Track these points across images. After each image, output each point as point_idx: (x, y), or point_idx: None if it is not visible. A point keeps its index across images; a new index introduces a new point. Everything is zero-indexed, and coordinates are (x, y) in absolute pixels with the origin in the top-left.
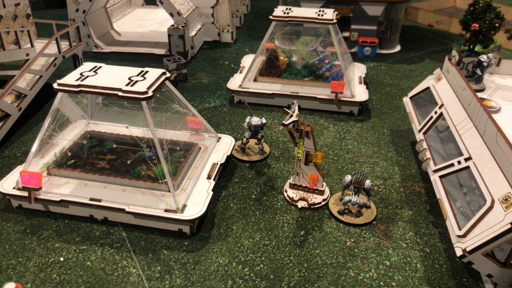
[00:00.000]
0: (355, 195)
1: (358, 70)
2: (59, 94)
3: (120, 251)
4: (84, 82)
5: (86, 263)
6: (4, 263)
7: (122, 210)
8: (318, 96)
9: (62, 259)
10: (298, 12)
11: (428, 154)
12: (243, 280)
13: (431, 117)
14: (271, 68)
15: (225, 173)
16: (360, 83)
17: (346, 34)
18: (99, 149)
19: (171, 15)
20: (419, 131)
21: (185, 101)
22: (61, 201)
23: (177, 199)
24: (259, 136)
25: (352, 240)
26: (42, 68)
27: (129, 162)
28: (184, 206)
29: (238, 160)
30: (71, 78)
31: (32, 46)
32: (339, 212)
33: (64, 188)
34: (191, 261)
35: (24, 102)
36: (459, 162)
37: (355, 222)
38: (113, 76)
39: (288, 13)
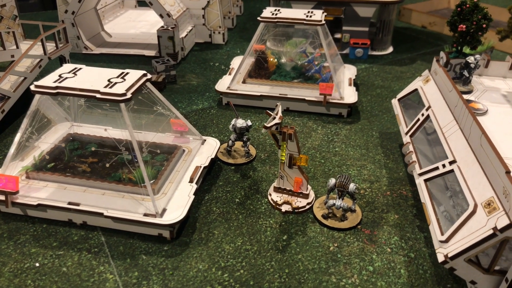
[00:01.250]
0: (339, 198)
1: (349, 71)
2: (37, 96)
3: (97, 256)
4: (62, 84)
5: (62, 268)
6: None
7: (101, 214)
8: (306, 98)
9: (37, 264)
10: (286, 13)
11: (413, 157)
12: (222, 286)
13: (418, 119)
14: (260, 69)
15: (210, 176)
16: (350, 85)
17: (338, 35)
18: (80, 152)
19: (161, 16)
20: (406, 133)
21: (167, 103)
22: (39, 205)
23: (156, 203)
24: (244, 139)
25: (336, 245)
26: (26, 70)
27: (107, 165)
28: (164, 210)
29: (223, 163)
30: (49, 80)
31: (17, 47)
32: (323, 216)
33: (42, 192)
34: (170, 266)
35: (7, 104)
36: (443, 166)
37: (339, 227)
38: (93, 78)
39: (276, 14)
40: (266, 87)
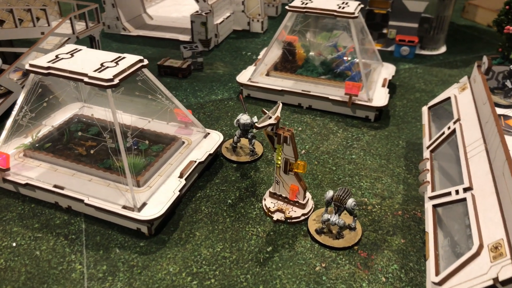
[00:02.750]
0: (335, 214)
1: (386, 71)
2: (31, 75)
3: (73, 244)
4: (55, 65)
5: (35, 252)
6: None
7: (82, 201)
8: (330, 97)
9: (14, 244)
10: (317, 3)
11: (428, 177)
12: None
13: (443, 133)
14: (287, 62)
15: (208, 172)
16: (384, 86)
17: (384, 30)
18: (81, 134)
19: (196, 1)
20: (428, 147)
21: (167, 92)
22: (27, 184)
23: (136, 196)
24: (249, 136)
25: (323, 265)
26: (53, 47)
27: (92, 152)
28: (144, 204)
29: (226, 159)
30: (43, 60)
31: (48, 25)
32: (316, 230)
33: (33, 171)
34: (140, 264)
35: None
36: (456, 192)
37: (332, 245)
38: (87, 61)
39: (306, 4)
40: (290, 82)
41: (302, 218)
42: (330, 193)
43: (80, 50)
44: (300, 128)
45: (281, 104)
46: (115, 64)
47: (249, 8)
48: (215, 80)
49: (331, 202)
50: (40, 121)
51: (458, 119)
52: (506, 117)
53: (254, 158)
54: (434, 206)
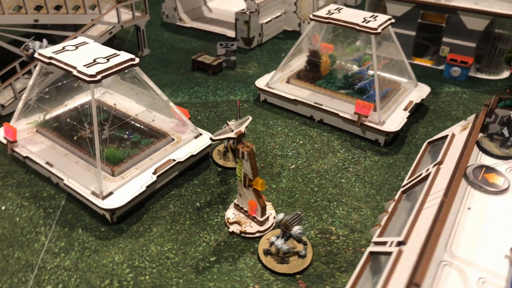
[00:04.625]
0: (281, 238)
1: (417, 92)
2: (39, 64)
3: (47, 217)
4: (57, 56)
5: (15, 218)
6: None
7: (62, 180)
8: (340, 114)
9: (3, 208)
10: (343, 14)
11: (384, 220)
12: (120, 285)
13: (420, 174)
14: (310, 72)
15: (192, 171)
16: (406, 109)
17: (437, 46)
18: (89, 118)
19: None
20: (402, 186)
21: (158, 90)
22: (26, 157)
23: (106, 185)
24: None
25: (257, 287)
26: (99, 34)
27: (75, 138)
28: (110, 193)
29: (213, 162)
30: (49, 50)
31: (100, 13)
32: (264, 250)
33: (36, 147)
34: (92, 248)
35: None
36: (391, 244)
37: (273, 268)
38: (84, 55)
39: (331, 14)
40: (307, 92)
41: (257, 234)
42: (280, 216)
43: (87, 44)
44: (301, 142)
45: (250, 119)
46: (106, 61)
47: (301, 9)
48: (241, 80)
49: (279, 225)
50: (59, 101)
51: (440, 163)
52: (489, 169)
53: None
54: (371, 252)
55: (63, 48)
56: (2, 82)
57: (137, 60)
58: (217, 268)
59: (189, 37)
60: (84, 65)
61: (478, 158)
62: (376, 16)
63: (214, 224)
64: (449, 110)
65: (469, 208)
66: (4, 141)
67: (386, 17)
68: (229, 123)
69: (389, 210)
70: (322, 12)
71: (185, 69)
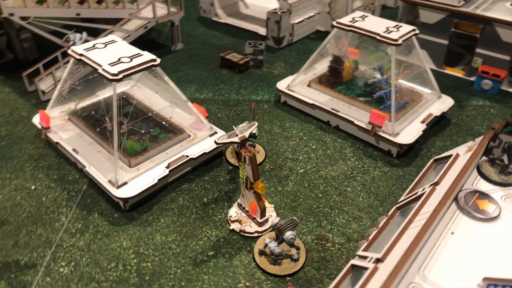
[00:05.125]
0: (275, 241)
1: (438, 105)
2: (71, 60)
3: (70, 199)
4: (87, 53)
5: (42, 198)
6: (1, 173)
7: (84, 167)
8: (355, 122)
9: (33, 187)
10: (366, 23)
11: (372, 235)
12: (124, 268)
13: (417, 192)
14: (332, 77)
15: (204, 167)
16: (423, 122)
17: (470, 57)
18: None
19: None
20: (398, 203)
21: (177, 89)
22: (57, 143)
23: (122, 175)
24: (246, 144)
25: (247, 284)
26: (135, 29)
27: (97, 130)
28: (124, 183)
29: (226, 161)
30: (81, 47)
31: (137, 7)
32: (259, 251)
33: (66, 133)
34: (105, 232)
35: None
36: (370, 259)
37: (265, 268)
38: (111, 53)
39: (355, 22)
40: (326, 97)
41: (256, 235)
42: (275, 220)
43: (116, 42)
44: (314, 146)
45: (256, 125)
46: (129, 60)
47: (335, 11)
48: (265, 80)
49: (274, 229)
50: (90, 92)
51: (436, 183)
52: (483, 195)
53: None
54: (353, 265)
55: (94, 45)
56: (45, 70)
57: (158, 61)
58: (213, 263)
59: (222, 33)
60: (109, 64)
61: (476, 182)
62: (400, 26)
63: (217, 220)
64: (472, 124)
65: (452, 233)
66: (40, 126)
67: (409, 27)
68: (235, 127)
69: (379, 225)
70: (346, 20)
71: (214, 65)
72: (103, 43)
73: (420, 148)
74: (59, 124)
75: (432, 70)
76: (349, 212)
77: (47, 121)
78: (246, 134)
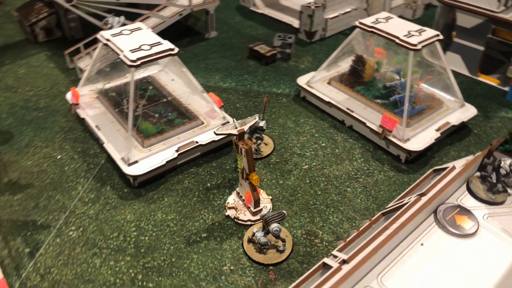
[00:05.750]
0: (261, 231)
1: (459, 114)
2: (100, 44)
3: (88, 171)
4: (112, 39)
5: (65, 167)
6: (34, 142)
7: (103, 143)
8: (367, 123)
9: (59, 157)
10: (389, 25)
11: (351, 236)
12: (124, 239)
13: (403, 201)
14: (352, 76)
15: (214, 154)
16: (438, 130)
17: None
18: (141, 92)
19: None
20: (385, 208)
21: (193, 79)
22: (83, 119)
23: (134, 153)
24: (254, 136)
25: (231, 268)
26: (170, 15)
27: (116, 110)
28: (135, 162)
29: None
30: (108, 33)
31: None
32: (248, 238)
33: (93, 111)
34: (113, 204)
35: None
36: (337, 260)
37: (251, 255)
38: (135, 40)
39: (377, 23)
40: (344, 96)
41: (249, 223)
42: (265, 211)
43: (140, 29)
44: (323, 144)
45: (256, 119)
46: (149, 48)
47: (373, 7)
48: (289, 74)
49: (261, 219)
50: (119, 74)
51: (423, 194)
52: (464, 211)
53: (257, 157)
54: (324, 263)
55: (121, 32)
56: (85, 49)
57: (175, 50)
58: (204, 244)
59: (257, 23)
60: (130, 50)
61: (462, 197)
62: (423, 31)
63: (216, 205)
64: (494, 137)
65: (422, 244)
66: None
67: (433, 32)
68: (235, 120)
69: (360, 227)
70: (368, 20)
71: (242, 56)
72: (129, 30)
73: (432, 157)
74: (88, 102)
75: (465, 76)
76: (344, 212)
77: (76, 97)
78: (245, 128)
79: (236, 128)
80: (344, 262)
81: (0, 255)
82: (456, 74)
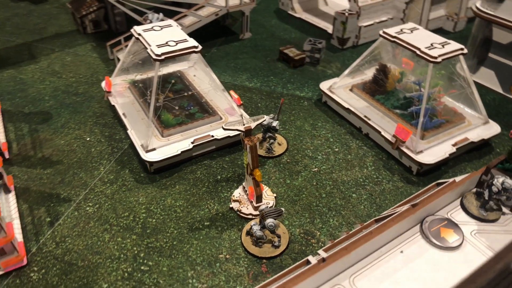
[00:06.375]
0: (259, 225)
1: (481, 131)
2: (133, 38)
3: (111, 154)
4: (143, 34)
5: (92, 149)
6: (69, 123)
7: (127, 130)
8: (382, 132)
9: (88, 139)
10: (413, 36)
11: (341, 238)
12: (133, 219)
13: (395, 212)
14: (376, 84)
15: (229, 149)
16: (454, 145)
17: None
18: (169, 86)
19: (349, 0)
20: (377, 215)
21: (215, 77)
22: (113, 106)
23: (151, 141)
24: (267, 135)
25: (227, 257)
26: (207, 14)
27: (162, 100)
28: (153, 149)
29: None
30: (140, 28)
31: None
32: (246, 231)
33: (122, 99)
34: (128, 186)
35: None
36: (318, 258)
37: (247, 247)
38: (164, 36)
39: (402, 33)
40: (363, 104)
41: (250, 217)
42: (263, 206)
43: (171, 26)
44: (337, 149)
45: (264, 118)
46: (174, 44)
47: (409, 18)
48: (315, 78)
49: (259, 213)
50: (152, 67)
51: (415, 205)
52: (451, 225)
53: (269, 155)
54: (307, 260)
55: (152, 28)
56: (125, 42)
57: (199, 48)
58: (205, 232)
59: (292, 27)
60: (157, 45)
61: (453, 211)
62: (447, 44)
63: (222, 197)
64: None
65: (401, 252)
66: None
67: (457, 46)
68: (243, 117)
69: (350, 232)
70: (393, 30)
71: (271, 58)
72: (160, 26)
73: (446, 171)
74: (119, 90)
75: (497, 93)
76: (345, 217)
77: (109, 86)
78: (252, 125)
79: (244, 124)
80: (323, 260)
81: (25, 221)
82: (488, 91)
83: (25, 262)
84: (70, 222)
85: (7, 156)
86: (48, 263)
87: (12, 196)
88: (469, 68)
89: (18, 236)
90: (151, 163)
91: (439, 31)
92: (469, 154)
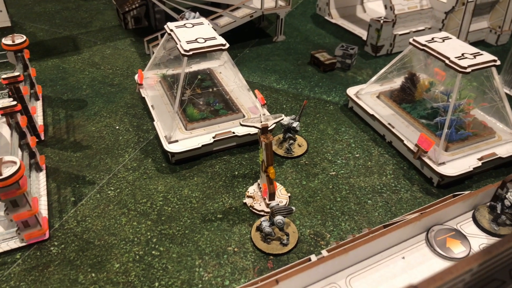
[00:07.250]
0: (268, 221)
1: (510, 146)
2: (166, 36)
3: (137, 143)
4: (175, 30)
5: (119, 137)
6: (101, 112)
7: (153, 121)
8: (404, 141)
9: (117, 127)
10: (443, 45)
11: (345, 241)
12: (150, 206)
13: (404, 219)
14: (403, 93)
15: (249, 147)
16: (480, 159)
17: None
18: (198, 82)
19: (385, 7)
20: (385, 221)
21: (240, 76)
22: (143, 98)
23: (174, 133)
24: (286, 135)
25: (235, 250)
26: (242, 16)
27: (189, 95)
28: (176, 141)
29: None
30: (173, 24)
31: None
32: (256, 227)
33: (153, 92)
34: (149, 174)
35: None
36: (319, 257)
37: (255, 243)
38: (194, 33)
39: (432, 42)
40: (389, 111)
41: (262, 213)
42: (274, 203)
43: (202, 24)
44: (357, 155)
45: (282, 117)
46: (204, 41)
47: (448, 28)
48: (344, 84)
49: (270, 209)
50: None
51: (425, 214)
52: (460, 236)
53: (288, 156)
54: (309, 258)
55: (184, 25)
56: (161, 38)
57: (226, 46)
58: (217, 224)
59: (327, 32)
60: (186, 41)
61: (463, 223)
62: (479, 55)
63: (237, 192)
64: None
65: (403, 258)
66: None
67: (490, 57)
68: (261, 115)
69: (357, 235)
70: (423, 39)
71: (302, 61)
72: (192, 24)
73: (469, 185)
74: (150, 84)
75: None
76: (358, 222)
77: (141, 79)
78: (269, 123)
79: (261, 122)
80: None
81: (52, 199)
82: None
83: (47, 236)
84: (92, 203)
85: (42, 138)
86: (68, 239)
87: (42, 175)
88: (507, 82)
89: (44, 211)
90: (173, 154)
91: (480, 43)
92: (496, 170)
